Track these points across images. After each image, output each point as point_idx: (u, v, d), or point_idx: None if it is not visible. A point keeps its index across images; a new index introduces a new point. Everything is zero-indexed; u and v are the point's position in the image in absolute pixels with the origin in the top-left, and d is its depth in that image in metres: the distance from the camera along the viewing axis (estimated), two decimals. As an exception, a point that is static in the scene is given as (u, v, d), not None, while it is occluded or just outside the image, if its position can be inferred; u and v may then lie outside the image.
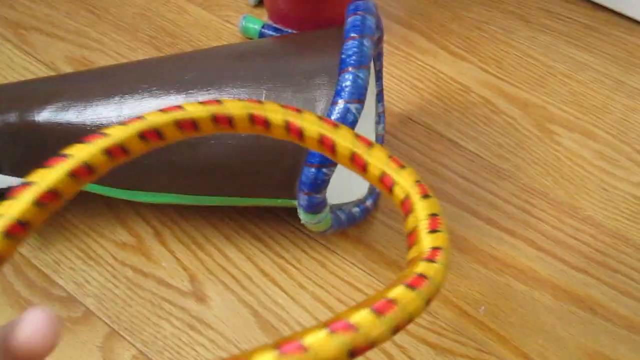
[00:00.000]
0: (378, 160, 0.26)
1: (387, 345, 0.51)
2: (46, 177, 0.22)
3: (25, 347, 0.21)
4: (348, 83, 0.44)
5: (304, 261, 0.56)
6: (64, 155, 0.23)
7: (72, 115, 0.50)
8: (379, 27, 0.52)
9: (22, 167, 0.52)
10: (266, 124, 0.26)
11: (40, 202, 0.22)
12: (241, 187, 0.50)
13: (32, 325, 0.22)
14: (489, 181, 0.60)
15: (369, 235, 0.57)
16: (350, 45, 0.45)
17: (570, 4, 0.73)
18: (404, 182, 0.25)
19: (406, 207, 0.25)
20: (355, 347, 0.18)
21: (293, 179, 0.46)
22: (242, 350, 0.51)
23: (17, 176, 0.52)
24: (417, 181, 0.25)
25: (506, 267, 0.55)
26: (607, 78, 0.67)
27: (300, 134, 0.26)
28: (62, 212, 0.58)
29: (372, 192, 0.56)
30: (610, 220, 0.58)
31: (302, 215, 0.48)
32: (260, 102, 0.27)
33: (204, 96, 0.48)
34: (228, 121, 0.26)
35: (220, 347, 0.51)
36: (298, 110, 0.27)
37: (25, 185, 0.22)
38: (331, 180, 0.50)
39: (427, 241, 0.23)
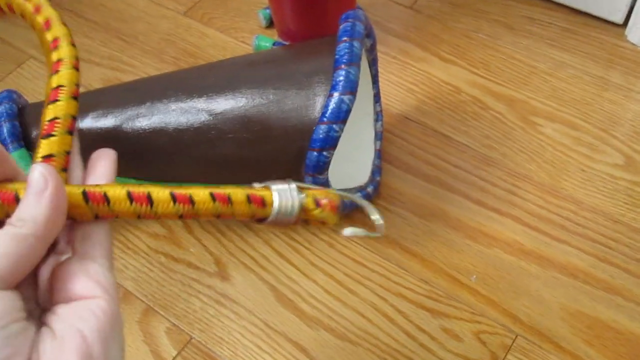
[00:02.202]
0: None
1: (389, 311, 0.58)
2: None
3: None
4: (341, 78, 0.52)
5: (314, 242, 0.63)
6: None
7: (111, 120, 0.58)
8: (370, 35, 0.60)
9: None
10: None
11: None
12: (254, 175, 0.57)
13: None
14: (478, 168, 0.67)
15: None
16: (342, 47, 0.53)
17: (550, 10, 0.80)
18: None
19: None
20: None
21: (299, 163, 0.54)
22: (262, 319, 0.58)
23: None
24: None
25: (495, 241, 0.62)
26: (586, 74, 0.74)
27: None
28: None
29: (372, 180, 0.64)
30: (590, 198, 0.65)
31: (309, 196, 0.55)
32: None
33: (221, 98, 0.56)
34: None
35: (243, 317, 0.59)
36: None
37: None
38: (335, 168, 0.57)
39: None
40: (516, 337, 0.57)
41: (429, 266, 0.61)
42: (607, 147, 0.68)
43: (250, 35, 0.81)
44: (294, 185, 0.31)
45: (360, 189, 0.62)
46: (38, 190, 0.26)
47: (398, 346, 0.56)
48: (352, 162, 0.64)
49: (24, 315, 0.25)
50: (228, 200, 0.29)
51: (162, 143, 0.58)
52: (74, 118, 0.31)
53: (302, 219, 0.32)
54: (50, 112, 0.31)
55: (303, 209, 0.31)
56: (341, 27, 0.55)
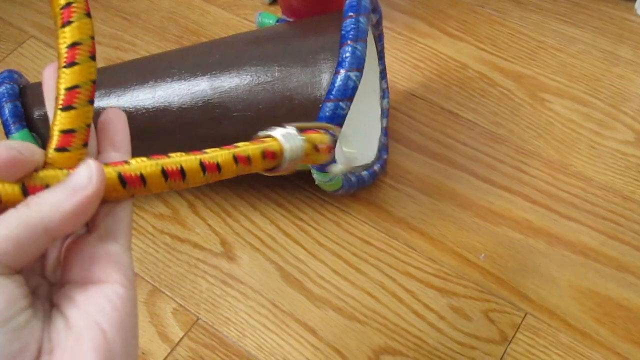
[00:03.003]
0: None
1: (398, 290, 0.58)
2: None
3: None
4: (347, 54, 0.51)
5: (321, 222, 0.62)
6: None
7: (113, 100, 0.57)
8: (376, 10, 0.59)
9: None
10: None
11: None
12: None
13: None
14: (486, 145, 0.66)
15: (378, 197, 0.63)
16: (349, 22, 0.52)
17: (559, -15, 0.79)
18: None
19: None
20: None
21: (305, 142, 0.53)
22: (270, 299, 0.58)
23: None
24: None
25: (503, 220, 0.61)
26: (596, 49, 0.73)
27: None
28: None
29: (379, 158, 0.63)
30: (600, 175, 0.64)
31: (316, 175, 0.55)
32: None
33: (225, 76, 0.55)
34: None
35: (250, 297, 0.58)
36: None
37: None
38: (342, 147, 0.57)
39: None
40: (525, 315, 0.56)
41: (437, 245, 0.60)
42: (617, 123, 0.67)
43: (253, 12, 0.80)
44: (294, 131, 0.32)
45: (367, 167, 0.62)
46: (76, 187, 0.24)
47: (406, 325, 0.56)
48: (358, 140, 0.63)
49: (29, 302, 0.23)
50: (247, 160, 0.30)
51: (166, 122, 0.57)
52: (94, 82, 0.27)
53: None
54: (68, 77, 0.26)
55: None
56: (347, 2, 0.54)
